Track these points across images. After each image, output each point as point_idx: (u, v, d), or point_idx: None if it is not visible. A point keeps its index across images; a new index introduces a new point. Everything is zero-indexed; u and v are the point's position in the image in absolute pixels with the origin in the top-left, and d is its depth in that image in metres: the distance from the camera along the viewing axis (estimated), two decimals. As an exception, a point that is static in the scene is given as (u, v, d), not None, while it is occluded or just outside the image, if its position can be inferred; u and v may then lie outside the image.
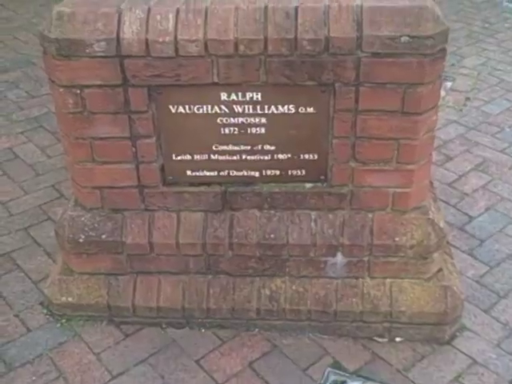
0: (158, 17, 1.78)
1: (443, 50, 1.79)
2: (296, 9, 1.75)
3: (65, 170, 2.94)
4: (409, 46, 1.73)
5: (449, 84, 3.80)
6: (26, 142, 3.28)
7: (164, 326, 2.16)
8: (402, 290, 2.05)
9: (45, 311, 2.24)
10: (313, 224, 2.02)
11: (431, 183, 2.27)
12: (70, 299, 2.14)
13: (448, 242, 2.30)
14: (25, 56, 4.32)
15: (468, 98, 3.63)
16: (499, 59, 4.13)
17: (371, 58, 1.75)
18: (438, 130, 3.21)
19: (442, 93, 3.67)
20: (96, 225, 2.05)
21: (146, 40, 1.76)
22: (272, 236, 2.02)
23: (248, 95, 1.83)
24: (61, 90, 1.86)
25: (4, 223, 2.70)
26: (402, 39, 1.72)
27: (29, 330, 2.17)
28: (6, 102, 3.72)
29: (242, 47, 1.75)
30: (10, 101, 3.73)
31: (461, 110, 3.51)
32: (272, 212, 2.03)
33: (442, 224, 2.04)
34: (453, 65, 4.03)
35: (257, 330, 2.14)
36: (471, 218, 2.66)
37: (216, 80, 1.81)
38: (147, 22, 1.78)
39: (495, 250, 2.48)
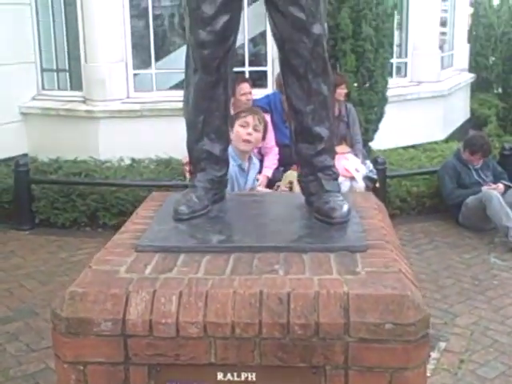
0: (163, 299, 1.93)
1: (426, 336, 1.91)
2: (288, 294, 1.91)
3: None
4: (393, 332, 1.85)
5: (443, 344, 3.86)
6: (20, 402, 3.26)
7: None
8: None
9: None
10: None
11: None
12: None
13: None
14: (28, 305, 4.40)
15: (462, 361, 3.66)
16: (490, 318, 4.23)
17: (358, 343, 1.86)
18: (435, 395, 3.22)
19: (437, 354, 3.73)
20: None
21: (150, 321, 1.90)
22: None
23: (243, 375, 1.92)
24: (65, 365, 1.94)
25: None
26: (387, 326, 1.86)
27: None
28: (4, 355, 3.72)
29: (238, 330, 1.88)
30: (8, 354, 3.73)
31: (456, 374, 3.51)
32: None
33: None
34: (446, 323, 4.12)
35: None
36: None
37: (213, 360, 1.90)
38: (152, 303, 1.92)
39: None
